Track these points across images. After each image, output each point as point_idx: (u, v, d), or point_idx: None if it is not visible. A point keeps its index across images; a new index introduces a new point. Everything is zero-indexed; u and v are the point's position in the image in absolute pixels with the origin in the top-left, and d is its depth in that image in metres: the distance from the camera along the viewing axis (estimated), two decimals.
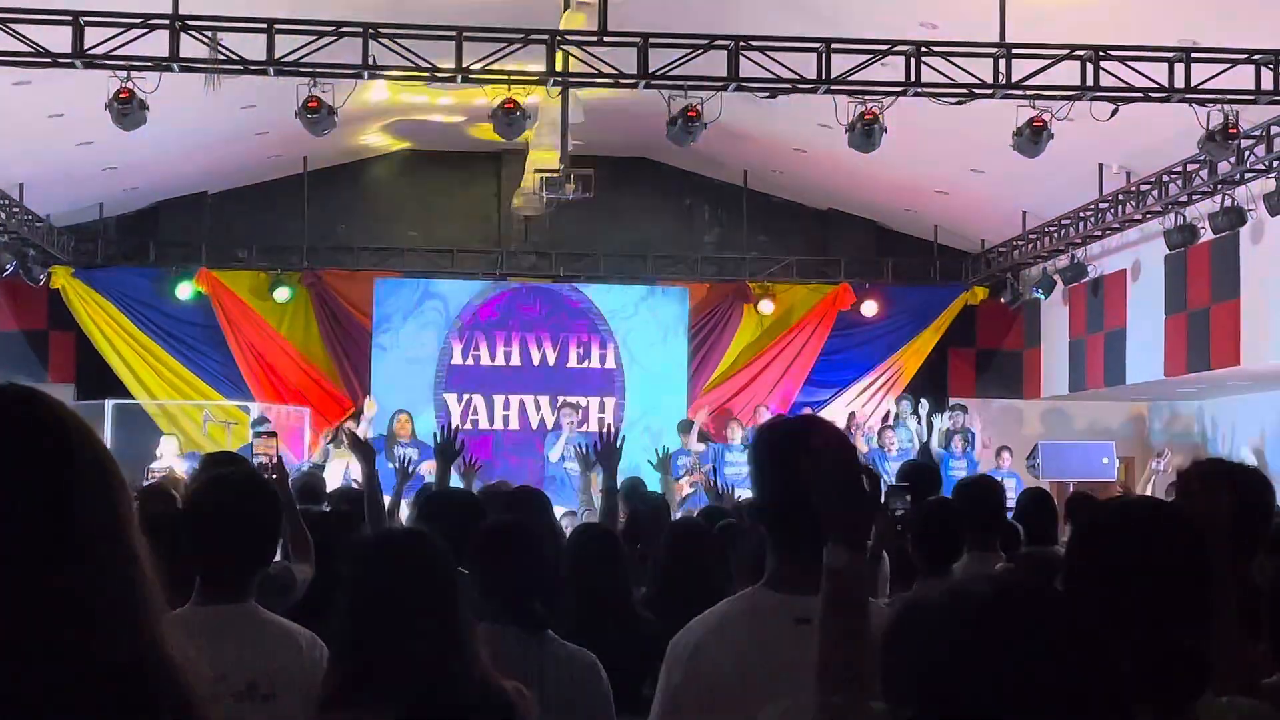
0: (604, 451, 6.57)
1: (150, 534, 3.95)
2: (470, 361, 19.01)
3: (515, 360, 19.12)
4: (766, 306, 20.07)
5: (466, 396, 18.94)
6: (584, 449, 7.85)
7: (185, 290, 19.06)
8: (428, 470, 15.33)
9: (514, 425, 19.06)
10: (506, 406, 19.12)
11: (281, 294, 19.20)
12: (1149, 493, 10.69)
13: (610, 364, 19.26)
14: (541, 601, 4.05)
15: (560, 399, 18.08)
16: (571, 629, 4.23)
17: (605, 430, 6.75)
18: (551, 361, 19.11)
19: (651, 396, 19.24)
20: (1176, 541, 2.43)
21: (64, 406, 1.49)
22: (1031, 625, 1.65)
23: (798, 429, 3.09)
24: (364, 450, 6.80)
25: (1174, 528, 2.46)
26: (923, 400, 18.92)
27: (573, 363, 19.17)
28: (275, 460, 5.78)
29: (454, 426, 7.06)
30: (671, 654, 3.06)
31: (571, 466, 16.39)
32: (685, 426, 17.95)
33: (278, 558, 5.36)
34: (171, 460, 15.93)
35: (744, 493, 13.83)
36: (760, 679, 2.84)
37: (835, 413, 19.68)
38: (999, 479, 16.87)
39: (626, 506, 7.48)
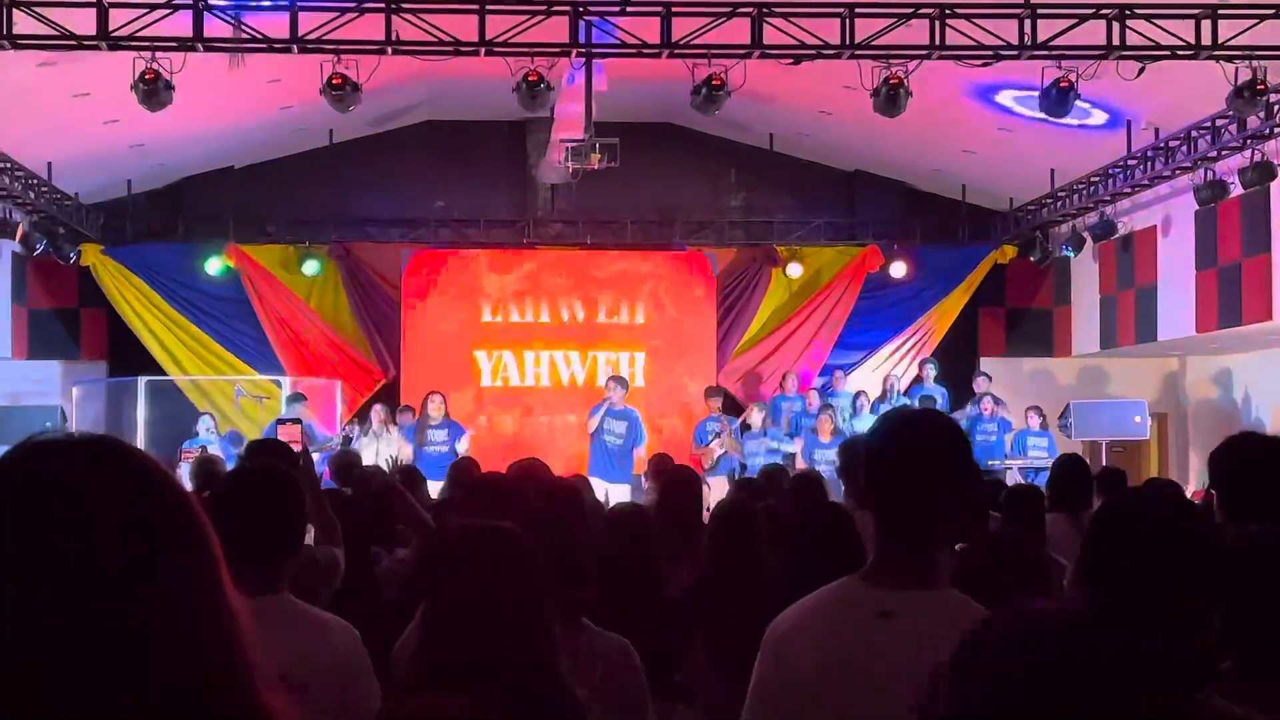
0: None
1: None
2: (499, 320, 19.15)
3: (544, 319, 19.25)
4: (795, 270, 20.03)
5: (497, 353, 19.07)
6: None
7: (214, 265, 19.12)
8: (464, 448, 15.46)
9: (546, 382, 19.16)
10: (538, 364, 19.22)
11: (310, 267, 19.26)
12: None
13: (639, 320, 19.33)
14: (576, 588, 4.12)
15: (608, 374, 17.96)
16: (602, 611, 4.28)
17: None
18: (580, 320, 19.19)
19: (680, 362, 19.30)
20: (1190, 544, 2.43)
21: (148, 456, 1.47)
22: (1091, 660, 1.61)
23: (913, 421, 3.04)
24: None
25: (1188, 531, 2.47)
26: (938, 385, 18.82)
27: (602, 320, 19.22)
28: (300, 447, 5.84)
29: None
30: (764, 641, 3.07)
31: (611, 439, 16.44)
32: (713, 392, 17.96)
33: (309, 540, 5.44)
34: (207, 438, 16.04)
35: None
36: (837, 671, 2.84)
37: (865, 375, 19.72)
38: (1029, 439, 17.08)
39: (656, 485, 7.53)
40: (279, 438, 5.93)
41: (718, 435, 16.65)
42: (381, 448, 15.30)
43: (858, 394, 18.51)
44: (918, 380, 19.19)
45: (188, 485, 8.69)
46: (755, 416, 17.22)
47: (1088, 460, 9.97)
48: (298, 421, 6.30)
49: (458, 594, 3.09)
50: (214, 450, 14.33)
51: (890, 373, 19.39)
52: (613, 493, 15.34)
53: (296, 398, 16.65)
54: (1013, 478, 15.97)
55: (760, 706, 3.03)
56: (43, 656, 1.33)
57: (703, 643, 5.12)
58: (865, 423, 17.90)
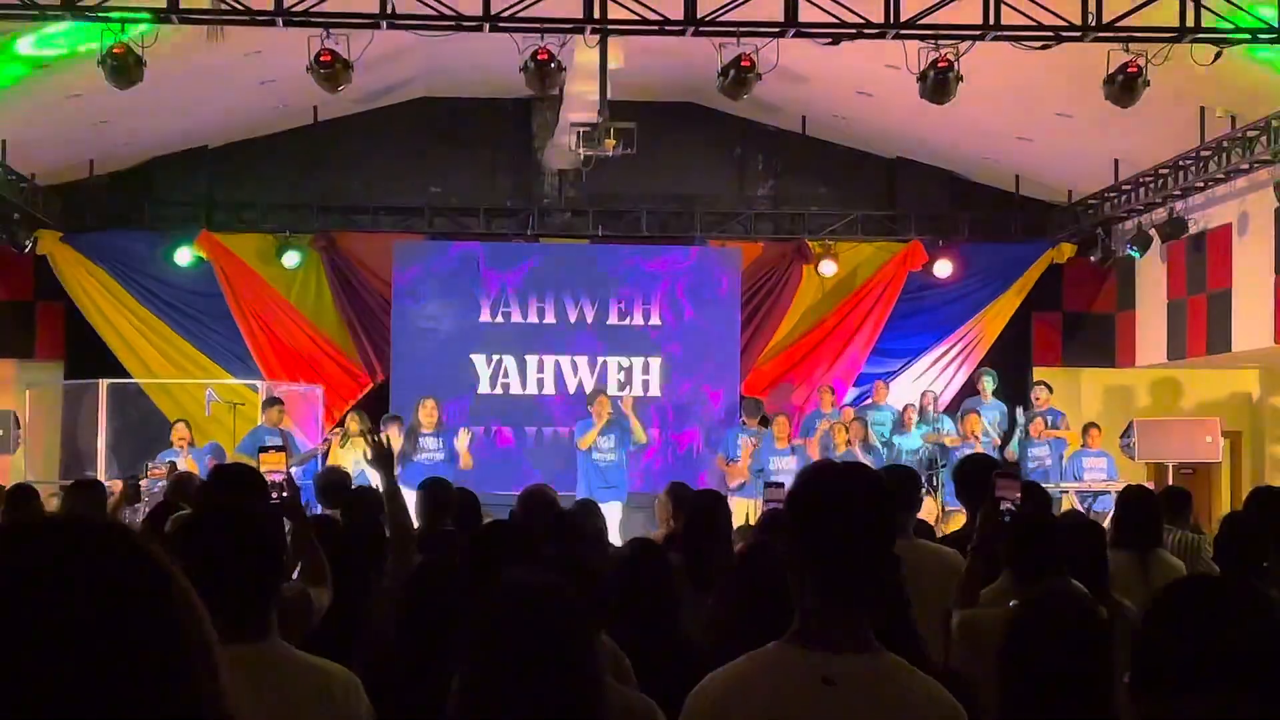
0: (375, 456, 6.76)
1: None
2: (500, 319, 19.18)
3: (550, 318, 19.27)
4: (828, 267, 20.05)
5: (496, 357, 19.12)
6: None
7: (184, 255, 19.16)
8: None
9: (549, 390, 19.21)
10: (540, 369, 19.28)
11: (290, 259, 19.31)
12: None
13: (655, 321, 19.35)
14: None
15: (593, 386, 18.07)
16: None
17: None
18: (590, 320, 19.25)
19: (701, 366, 19.33)
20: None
21: (146, 540, 1.50)
22: None
23: (841, 478, 3.21)
24: (383, 463, 6.77)
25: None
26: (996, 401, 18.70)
27: (613, 320, 19.30)
28: (285, 480, 5.80)
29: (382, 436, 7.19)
30: (691, 709, 3.18)
31: (601, 457, 16.44)
32: (750, 408, 17.84)
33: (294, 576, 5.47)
34: (179, 455, 15.89)
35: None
36: None
37: (905, 387, 19.71)
38: (1086, 460, 16.94)
39: (680, 512, 7.60)
40: (263, 468, 5.88)
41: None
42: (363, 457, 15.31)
43: (905, 407, 18.46)
44: (974, 394, 19.03)
45: (156, 500, 8.63)
46: (783, 430, 17.22)
47: (1152, 485, 9.99)
48: (281, 449, 6.27)
49: (506, 665, 3.08)
50: (184, 462, 14.38)
51: (927, 389, 19.27)
52: (606, 513, 15.40)
53: (272, 402, 16.66)
54: (1068, 503, 15.95)
55: None
56: None
57: None
58: (913, 441, 17.89)
